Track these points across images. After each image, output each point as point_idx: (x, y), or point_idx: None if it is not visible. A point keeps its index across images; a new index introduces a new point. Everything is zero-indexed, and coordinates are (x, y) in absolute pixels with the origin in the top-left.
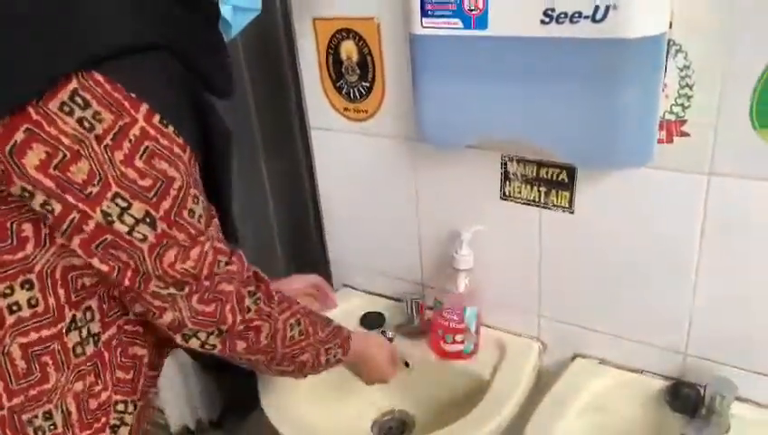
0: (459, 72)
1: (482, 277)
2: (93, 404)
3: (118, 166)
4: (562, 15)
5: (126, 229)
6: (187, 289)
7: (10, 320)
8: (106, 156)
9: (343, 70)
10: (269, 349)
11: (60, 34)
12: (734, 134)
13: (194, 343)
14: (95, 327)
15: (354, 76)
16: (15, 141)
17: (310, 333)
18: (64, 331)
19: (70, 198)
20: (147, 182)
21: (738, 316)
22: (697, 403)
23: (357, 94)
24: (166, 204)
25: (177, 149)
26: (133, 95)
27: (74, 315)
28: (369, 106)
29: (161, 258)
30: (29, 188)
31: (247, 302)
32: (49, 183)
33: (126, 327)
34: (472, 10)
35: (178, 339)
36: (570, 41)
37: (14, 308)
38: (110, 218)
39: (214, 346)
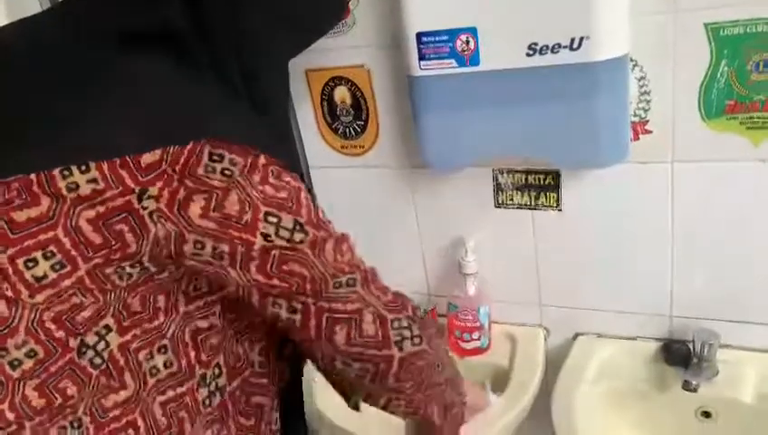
0: (457, 103)
1: (487, 278)
2: None
3: (257, 186)
4: (545, 48)
5: (286, 242)
6: (359, 279)
7: (151, 381)
8: (247, 181)
9: (338, 112)
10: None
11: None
12: (687, 127)
13: (408, 347)
14: (222, 381)
15: (349, 117)
16: (179, 200)
17: None
18: (195, 387)
19: (233, 232)
20: (283, 193)
21: (711, 277)
22: (688, 355)
23: (352, 132)
24: (304, 210)
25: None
26: (247, 143)
27: (204, 373)
28: (365, 142)
29: (324, 255)
30: (200, 239)
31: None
32: (212, 225)
33: (251, 379)
34: (464, 51)
35: (396, 352)
36: (552, 68)
37: (154, 372)
38: (269, 238)
39: (420, 338)
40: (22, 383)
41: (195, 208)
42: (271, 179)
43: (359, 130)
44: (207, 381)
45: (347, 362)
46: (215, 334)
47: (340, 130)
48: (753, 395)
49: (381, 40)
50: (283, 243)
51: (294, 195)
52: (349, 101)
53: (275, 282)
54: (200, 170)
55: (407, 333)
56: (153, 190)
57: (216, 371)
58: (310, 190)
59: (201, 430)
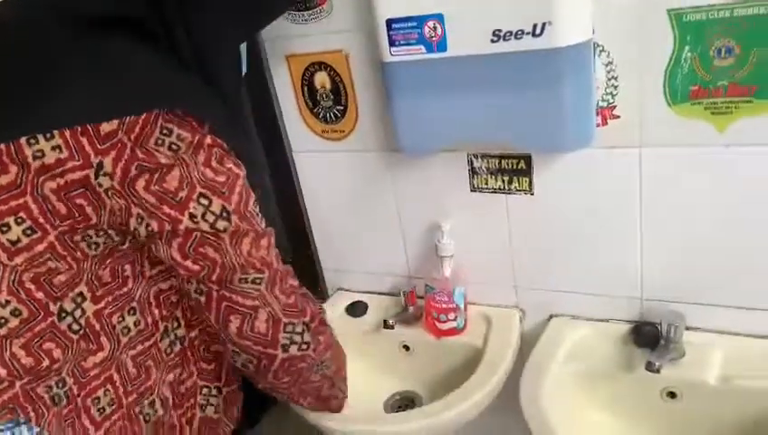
0: (426, 89)
1: (463, 261)
2: (182, 389)
3: (200, 166)
4: (508, 34)
5: (208, 226)
6: (266, 278)
7: (124, 340)
8: (192, 160)
9: (318, 97)
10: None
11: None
12: (654, 112)
13: (293, 351)
14: (181, 332)
15: (329, 102)
16: (130, 178)
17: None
18: (159, 338)
19: (165, 208)
20: (221, 178)
21: (679, 260)
22: (657, 337)
23: (333, 117)
24: (235, 197)
25: (233, 156)
26: (197, 115)
27: (166, 326)
28: (345, 126)
29: (240, 246)
30: (142, 213)
31: (312, 297)
32: (151, 199)
33: (208, 329)
34: (432, 37)
35: (280, 353)
36: (516, 54)
37: (125, 331)
38: (195, 219)
39: (308, 344)
40: (9, 341)
41: (141, 182)
42: (213, 162)
43: (339, 114)
44: (169, 333)
45: (236, 350)
46: (174, 293)
47: (321, 114)
48: (718, 376)
49: (359, 25)
50: (206, 227)
51: (231, 182)
52: (328, 85)
53: (188, 263)
54: (151, 141)
55: (297, 338)
56: (107, 165)
57: (175, 323)
58: (293, 175)
59: (164, 373)
